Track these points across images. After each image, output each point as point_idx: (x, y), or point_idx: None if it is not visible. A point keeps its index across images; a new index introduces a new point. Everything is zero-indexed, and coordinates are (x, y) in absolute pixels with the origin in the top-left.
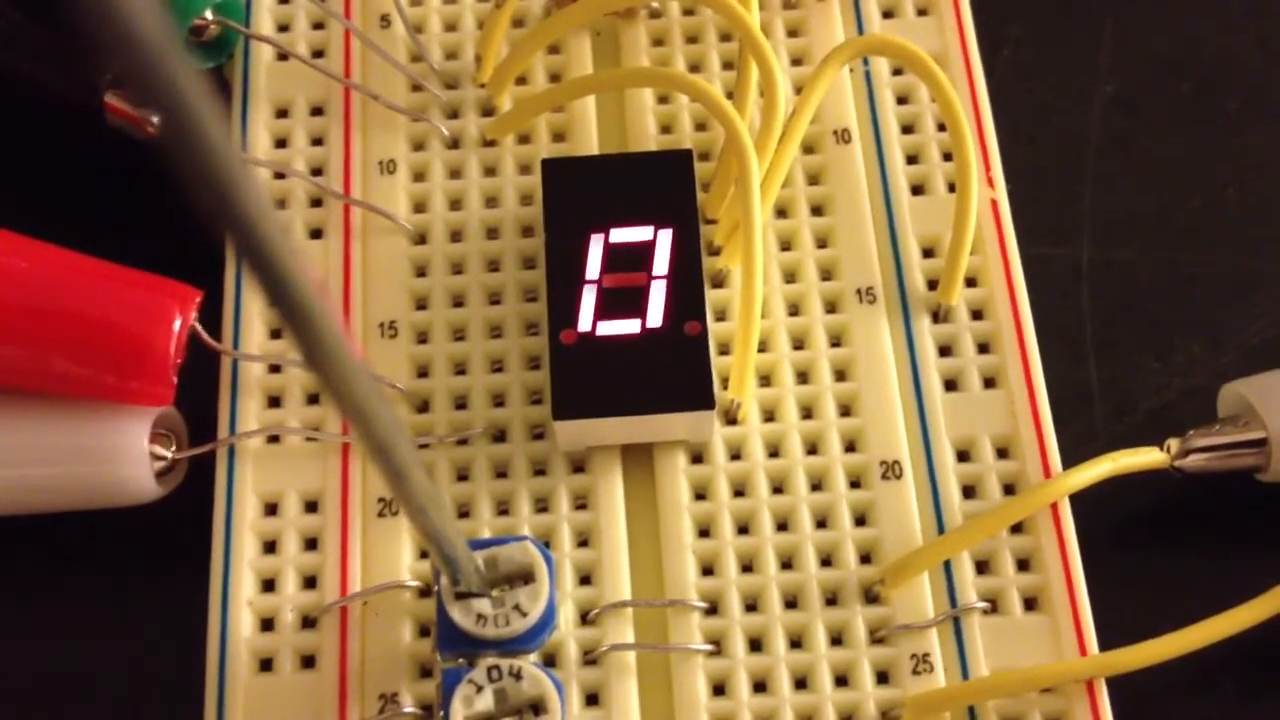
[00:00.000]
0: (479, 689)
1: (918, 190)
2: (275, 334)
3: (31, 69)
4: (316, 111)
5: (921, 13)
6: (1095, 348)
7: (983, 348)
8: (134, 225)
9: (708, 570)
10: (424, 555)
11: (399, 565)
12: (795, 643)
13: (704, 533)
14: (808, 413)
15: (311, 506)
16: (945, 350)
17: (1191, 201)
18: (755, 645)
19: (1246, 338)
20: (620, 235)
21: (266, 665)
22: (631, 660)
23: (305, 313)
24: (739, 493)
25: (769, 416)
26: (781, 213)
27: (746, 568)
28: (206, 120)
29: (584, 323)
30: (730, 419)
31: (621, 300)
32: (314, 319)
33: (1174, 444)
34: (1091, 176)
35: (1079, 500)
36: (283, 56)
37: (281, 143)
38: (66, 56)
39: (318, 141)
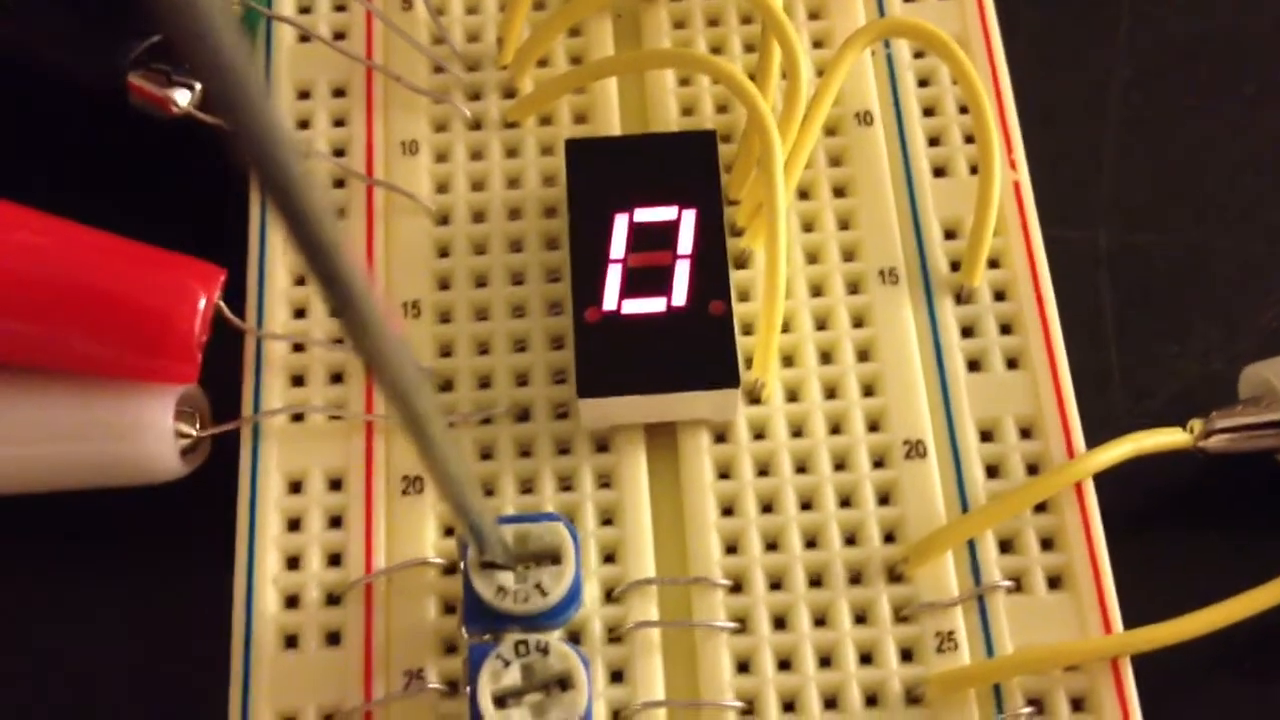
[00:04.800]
0: (506, 664)
1: (939, 172)
2: (299, 313)
3: (55, 50)
4: (339, 93)
5: None
6: (1115, 331)
7: (1005, 329)
8: (158, 204)
9: (731, 549)
10: (448, 533)
11: (423, 543)
12: (819, 621)
13: (727, 511)
14: (831, 393)
15: (335, 484)
16: (968, 331)
17: (1209, 184)
18: (779, 623)
19: (1266, 321)
20: (644, 215)
21: (292, 642)
22: (656, 638)
23: (345, 283)
24: (763, 472)
25: (792, 396)
26: (804, 194)
27: (770, 546)
28: (256, 90)
29: (609, 301)
30: (754, 399)
31: (646, 279)
32: (353, 288)
33: (1197, 425)
34: (1110, 159)
35: (1102, 481)
36: (305, 38)
37: (304, 124)
38: (90, 37)
39: (340, 123)
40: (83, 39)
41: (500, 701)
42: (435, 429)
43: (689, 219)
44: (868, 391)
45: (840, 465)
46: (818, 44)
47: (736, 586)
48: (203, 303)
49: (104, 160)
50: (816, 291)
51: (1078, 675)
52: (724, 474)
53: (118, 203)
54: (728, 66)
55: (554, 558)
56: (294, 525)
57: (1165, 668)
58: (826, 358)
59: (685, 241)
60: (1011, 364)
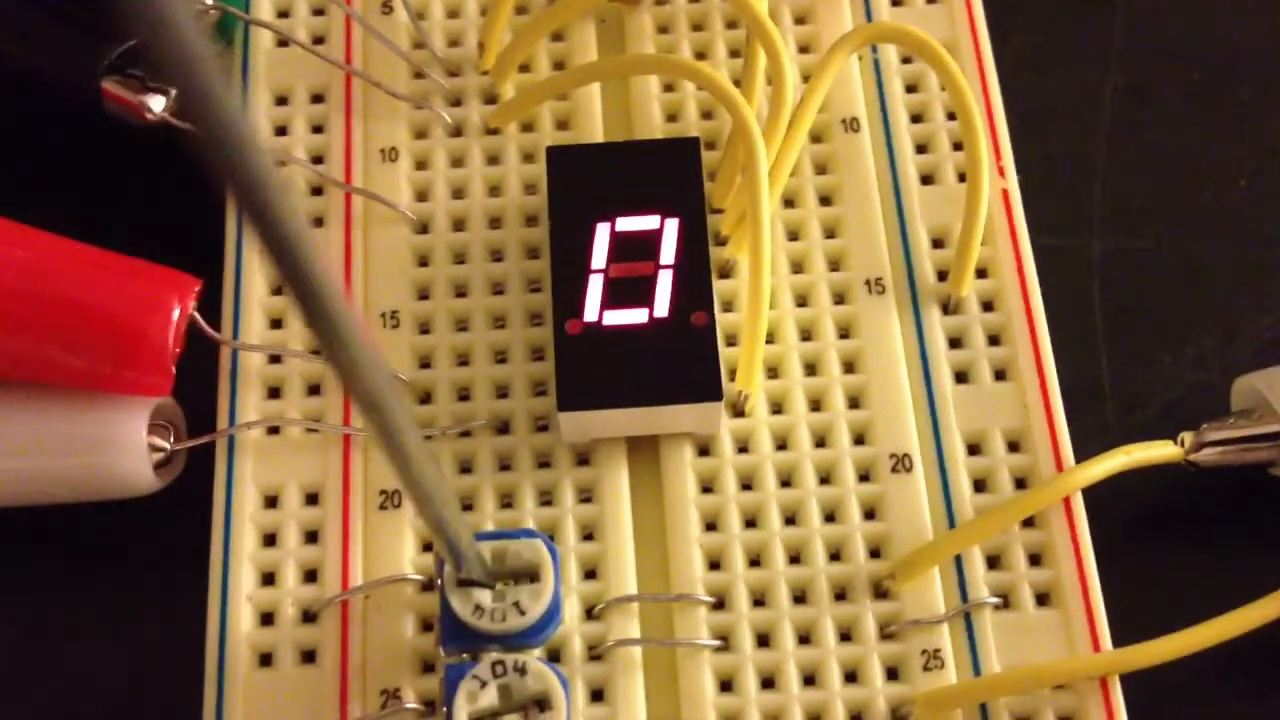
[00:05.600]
0: (483, 684)
1: (927, 180)
2: (275, 324)
3: (29, 55)
4: (317, 98)
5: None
6: (1106, 341)
7: (993, 339)
8: (133, 213)
9: (714, 564)
10: (427, 548)
11: (401, 559)
12: (804, 638)
13: (711, 526)
14: (816, 405)
15: (312, 499)
16: (955, 342)
17: (1203, 192)
18: (763, 640)
19: (1259, 330)
20: (626, 224)
21: (266, 660)
22: (637, 655)
23: (317, 291)
24: (746, 486)
25: (777, 409)
26: (789, 202)
27: (754, 562)
28: (224, 97)
29: (590, 312)
30: (737, 411)
31: (628, 290)
32: (325, 297)
33: (1188, 438)
34: (1102, 167)
35: (1091, 495)
36: (283, 43)
37: (282, 130)
38: (65, 42)
39: (318, 129)
40: (57, 44)
41: None
42: (411, 443)
43: (672, 228)
44: (853, 404)
45: (825, 479)
46: (804, 49)
47: (719, 603)
48: (176, 313)
49: (79, 167)
50: (801, 301)
51: (1066, 694)
52: (707, 488)
53: (92, 211)
54: (711, 72)
55: (532, 575)
56: (270, 540)
57: (1155, 686)
58: (811, 369)
59: (668, 251)
60: (999, 375)
